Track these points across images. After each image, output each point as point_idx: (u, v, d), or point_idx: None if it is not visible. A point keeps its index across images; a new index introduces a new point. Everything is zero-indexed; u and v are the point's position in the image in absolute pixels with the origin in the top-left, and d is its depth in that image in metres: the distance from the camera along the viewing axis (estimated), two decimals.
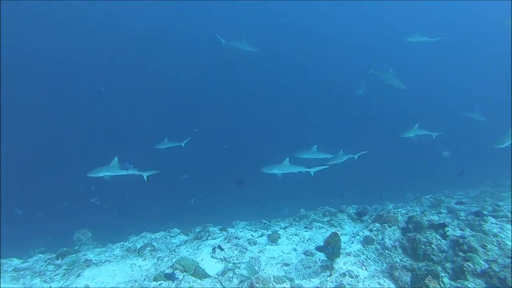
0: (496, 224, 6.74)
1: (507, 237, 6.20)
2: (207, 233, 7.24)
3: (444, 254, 5.46)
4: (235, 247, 5.75)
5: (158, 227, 10.05)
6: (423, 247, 5.50)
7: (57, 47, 27.84)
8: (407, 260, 5.48)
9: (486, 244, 5.54)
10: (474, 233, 6.20)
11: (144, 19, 30.25)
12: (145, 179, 8.04)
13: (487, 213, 7.64)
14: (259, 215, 11.12)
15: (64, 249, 8.00)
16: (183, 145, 10.60)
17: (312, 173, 5.37)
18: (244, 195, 13.12)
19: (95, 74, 27.97)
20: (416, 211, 9.04)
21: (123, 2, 28.39)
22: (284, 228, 6.93)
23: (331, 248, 4.80)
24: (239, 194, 12.87)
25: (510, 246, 5.51)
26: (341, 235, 6.73)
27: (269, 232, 6.77)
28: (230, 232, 7.15)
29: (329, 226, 7.02)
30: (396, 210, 6.73)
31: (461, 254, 5.18)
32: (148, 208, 14.42)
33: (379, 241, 5.91)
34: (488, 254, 5.30)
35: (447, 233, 5.99)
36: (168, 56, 31.36)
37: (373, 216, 6.99)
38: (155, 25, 30.85)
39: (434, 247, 5.48)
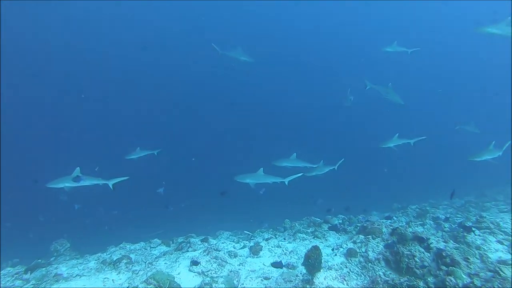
0: (480, 236, 6.73)
1: (490, 249, 6.18)
2: (188, 244, 7.01)
3: (427, 267, 5.37)
4: (214, 259, 5.54)
5: (144, 235, 9.77)
6: (406, 260, 5.40)
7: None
8: (390, 274, 5.36)
9: (468, 257, 5.47)
10: (457, 245, 6.14)
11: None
12: (111, 187, 7.65)
13: (470, 224, 7.64)
14: (246, 223, 10.94)
15: (38, 260, 7.64)
16: (155, 153, 10.24)
17: (286, 183, 5.20)
18: (230, 204, 12.92)
19: (67, 81, 27.23)
20: (402, 222, 9.01)
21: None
22: (266, 240, 6.75)
23: (312, 261, 4.65)
24: (225, 204, 12.66)
25: (492, 259, 5.46)
26: (324, 246, 6.61)
27: (251, 244, 6.58)
28: (211, 244, 6.94)
29: (313, 238, 6.88)
30: (381, 221, 6.63)
31: (443, 268, 5.08)
32: (134, 216, 14.07)
33: (362, 254, 5.79)
34: (470, 268, 5.22)
35: (431, 245, 5.92)
36: (142, 60, 30.68)
37: (358, 227, 6.88)
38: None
39: (417, 260, 5.39)
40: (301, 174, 5.49)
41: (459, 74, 39.04)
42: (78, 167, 7.38)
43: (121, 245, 7.78)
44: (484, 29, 5.34)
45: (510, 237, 6.59)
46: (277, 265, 5.24)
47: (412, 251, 5.48)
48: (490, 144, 4.55)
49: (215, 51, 15.44)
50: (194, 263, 5.46)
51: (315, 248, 4.71)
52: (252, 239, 7.43)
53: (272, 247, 6.38)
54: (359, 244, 6.03)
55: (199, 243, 7.18)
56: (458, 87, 37.72)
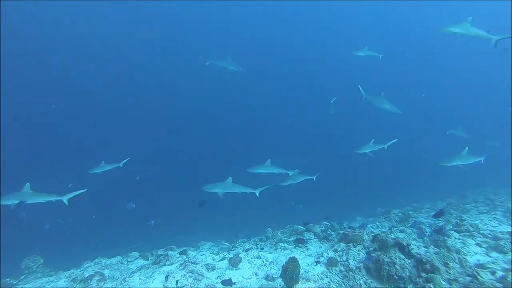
0: (459, 239, 6.74)
1: (469, 252, 6.18)
2: (166, 257, 6.76)
3: (408, 274, 5.31)
4: (190, 274, 5.31)
5: (124, 248, 9.38)
6: (387, 268, 5.32)
7: None
8: (372, 282, 5.27)
9: (448, 262, 5.44)
10: (438, 250, 6.12)
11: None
12: (66, 203, 7.17)
13: (451, 227, 7.67)
14: (232, 232, 10.68)
15: (7, 280, 7.22)
16: (121, 165, 9.78)
17: (257, 194, 5.03)
18: (213, 214, 12.67)
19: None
20: (385, 227, 9.00)
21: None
22: (246, 251, 6.56)
23: (290, 273, 4.50)
24: (207, 214, 12.39)
25: (471, 263, 5.44)
26: (306, 256, 6.48)
27: (231, 256, 6.38)
28: (190, 256, 6.70)
29: (295, 247, 6.74)
30: (361, 230, 6.54)
31: (423, 274, 5.02)
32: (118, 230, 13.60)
33: (343, 263, 5.68)
34: (450, 273, 5.18)
35: (412, 251, 5.88)
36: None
37: (340, 235, 6.79)
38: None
39: (398, 267, 5.31)
40: (272, 185, 5.32)
41: (454, 77, 39.23)
42: (28, 183, 6.88)
43: (96, 260, 7.43)
44: (448, 29, 5.41)
45: (488, 239, 6.63)
46: (226, 283, 5.04)
47: (393, 258, 5.40)
48: (463, 150, 4.55)
49: (203, 61, 15.30)
50: (168, 278, 5.22)
51: (293, 260, 4.57)
52: (233, 250, 7.24)
53: (251, 258, 6.20)
54: (340, 253, 5.93)
55: (177, 256, 6.93)
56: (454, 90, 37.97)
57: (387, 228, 8.43)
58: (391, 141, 7.82)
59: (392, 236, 6.56)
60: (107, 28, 30.49)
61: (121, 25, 31.07)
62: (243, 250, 6.81)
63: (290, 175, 5.67)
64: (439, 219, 8.97)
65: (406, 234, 7.17)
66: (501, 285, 4.53)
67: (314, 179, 5.10)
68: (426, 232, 7.33)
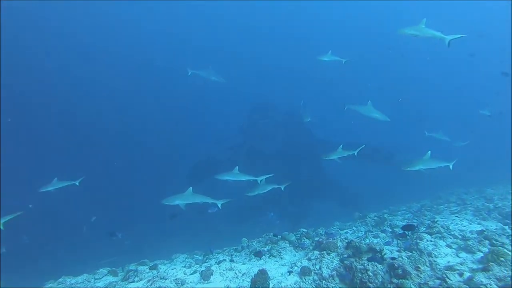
0: (431, 241, 6.83)
1: (440, 254, 6.26)
2: (135, 273, 6.46)
3: (380, 280, 5.29)
4: None
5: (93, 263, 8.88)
6: (360, 275, 5.28)
7: None
8: None
9: (419, 265, 5.47)
10: (410, 253, 6.16)
11: None
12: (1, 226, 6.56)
13: (424, 229, 7.78)
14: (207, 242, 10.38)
15: None
16: (77, 183, 9.16)
17: (219, 205, 4.87)
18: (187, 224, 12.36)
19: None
20: (361, 231, 9.03)
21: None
22: (218, 263, 6.36)
23: (259, 286, 4.36)
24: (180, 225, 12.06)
25: (441, 266, 5.50)
26: (280, 265, 6.36)
27: (203, 268, 6.16)
28: (160, 271, 6.42)
29: (269, 257, 6.61)
30: (335, 238, 6.50)
31: (394, 280, 5.01)
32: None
33: (316, 271, 5.59)
34: (420, 277, 5.20)
35: (385, 256, 5.88)
36: None
37: (314, 243, 6.72)
38: None
39: (371, 274, 5.29)
40: (233, 199, 5.18)
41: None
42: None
43: (60, 279, 7.00)
44: (403, 30, 5.53)
45: (458, 240, 6.76)
46: None
47: (365, 264, 5.38)
48: (426, 154, 4.61)
49: (185, 71, 15.05)
50: None
51: (261, 272, 4.44)
52: (206, 262, 7.02)
53: (224, 270, 6.01)
54: (314, 261, 5.85)
55: (147, 270, 6.63)
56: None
57: (363, 233, 8.46)
58: (360, 147, 7.83)
59: (366, 242, 6.57)
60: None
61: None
62: (215, 262, 6.61)
63: (259, 182, 5.51)
64: (413, 221, 9.12)
65: (381, 239, 7.20)
66: (467, 286, 4.58)
67: (282, 188, 4.96)
68: (399, 235, 7.40)
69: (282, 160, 13.57)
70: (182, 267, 6.67)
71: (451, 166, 4.94)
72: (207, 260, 7.24)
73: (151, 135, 26.17)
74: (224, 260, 6.55)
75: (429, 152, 4.53)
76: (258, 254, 6.14)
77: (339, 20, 39.15)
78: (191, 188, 5.00)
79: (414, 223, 6.81)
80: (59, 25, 27.53)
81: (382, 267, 5.44)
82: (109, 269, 7.68)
